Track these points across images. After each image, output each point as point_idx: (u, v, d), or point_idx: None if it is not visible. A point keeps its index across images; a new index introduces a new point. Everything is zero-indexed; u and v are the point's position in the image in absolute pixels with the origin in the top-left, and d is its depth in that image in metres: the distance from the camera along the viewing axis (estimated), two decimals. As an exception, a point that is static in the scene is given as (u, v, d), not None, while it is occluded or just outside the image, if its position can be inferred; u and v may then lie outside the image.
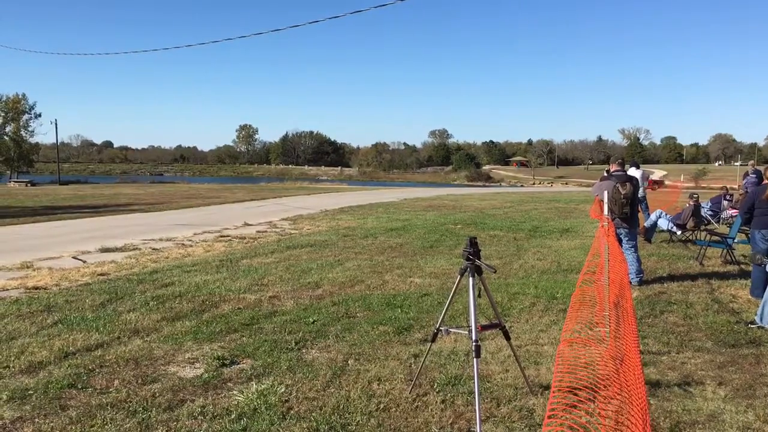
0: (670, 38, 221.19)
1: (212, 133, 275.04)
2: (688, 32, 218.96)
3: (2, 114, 79.13)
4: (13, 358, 5.30)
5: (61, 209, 23.66)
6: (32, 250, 11.86)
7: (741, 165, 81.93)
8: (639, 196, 11.80)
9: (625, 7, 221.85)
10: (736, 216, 12.80)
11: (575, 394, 3.38)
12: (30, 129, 79.83)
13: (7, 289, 8.23)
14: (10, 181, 63.85)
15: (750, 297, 7.64)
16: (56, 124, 74.08)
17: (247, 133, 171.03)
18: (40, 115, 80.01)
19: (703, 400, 4.44)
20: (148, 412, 4.21)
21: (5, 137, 78.35)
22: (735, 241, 10.51)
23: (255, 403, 4.33)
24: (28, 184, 55.77)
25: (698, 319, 6.63)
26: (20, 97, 78.81)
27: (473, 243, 4.08)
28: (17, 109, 78.31)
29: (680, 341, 5.84)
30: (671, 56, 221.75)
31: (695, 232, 12.87)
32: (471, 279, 4.01)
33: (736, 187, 22.60)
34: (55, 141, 79.41)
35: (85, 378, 4.85)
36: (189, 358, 5.39)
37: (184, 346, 5.70)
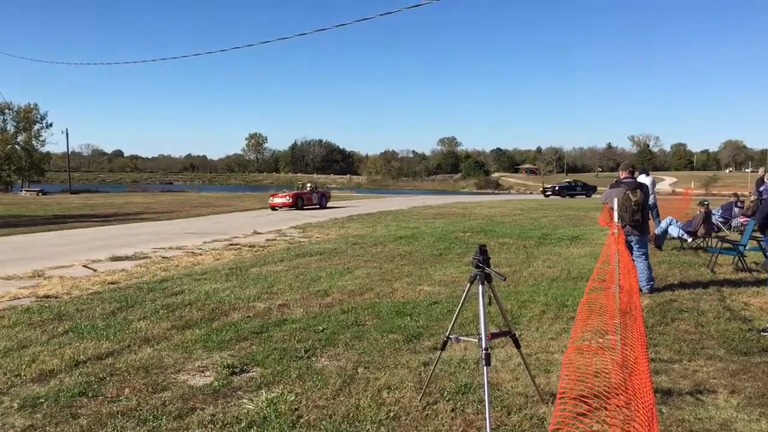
0: (679, 44, 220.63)
1: (222, 141, 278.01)
2: (698, 38, 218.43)
3: (14, 124, 79.93)
4: (24, 367, 5.32)
5: (72, 218, 23.82)
6: (43, 259, 11.94)
7: (752, 172, 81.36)
8: (650, 203, 11.76)
9: (633, 13, 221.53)
10: (747, 223, 12.71)
11: (586, 403, 3.36)
12: (41, 138, 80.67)
13: (19, 298, 8.29)
14: (21, 190, 64.45)
15: (762, 305, 7.57)
16: (67, 133, 74.53)
17: (256, 141, 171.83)
18: (51, 125, 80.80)
19: (716, 408, 4.40)
20: (158, 420, 4.22)
21: (17, 147, 79.05)
22: (746, 248, 10.44)
23: (265, 412, 4.33)
24: (39, 193, 56.28)
25: (710, 327, 6.58)
26: (32, 106, 79.61)
27: (483, 250, 4.07)
28: (29, 118, 79.08)
29: (692, 349, 5.80)
30: (681, 63, 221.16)
31: (706, 239, 12.80)
32: (481, 287, 4.00)
33: (747, 193, 22.48)
34: (66, 150, 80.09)
35: (95, 386, 4.87)
36: (199, 366, 5.40)
37: (194, 355, 5.71)
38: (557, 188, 55.30)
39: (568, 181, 61.28)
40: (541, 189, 61.01)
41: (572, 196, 52.25)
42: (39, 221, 22.24)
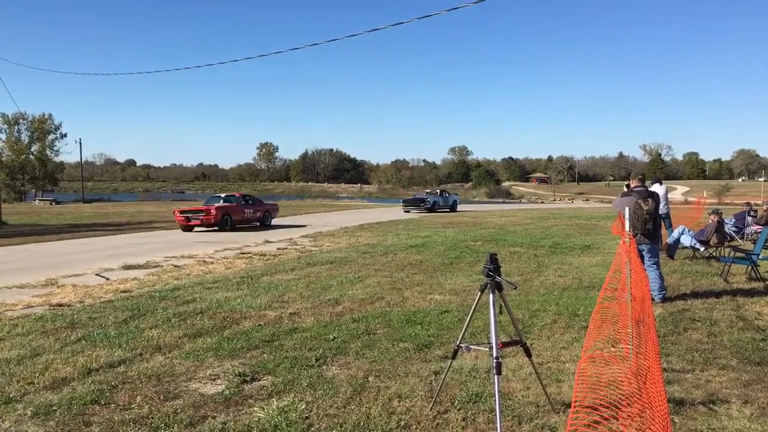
0: (692, 53, 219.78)
1: (233, 151, 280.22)
2: (710, 47, 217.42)
3: (28, 134, 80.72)
4: (37, 375, 5.36)
5: (85, 227, 23.99)
6: (56, 268, 12.02)
7: (765, 180, 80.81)
8: (662, 212, 11.70)
9: (646, 23, 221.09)
10: (760, 232, 12.61)
11: (599, 413, 3.34)
12: (55, 148, 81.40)
13: (32, 306, 8.35)
14: (35, 200, 65.05)
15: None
16: (81, 143, 75.27)
17: (267, 150, 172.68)
18: (65, 135, 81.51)
19: (729, 418, 4.36)
20: (170, 428, 4.23)
21: (31, 156, 79.80)
22: (760, 257, 10.35)
23: (276, 420, 4.33)
24: (53, 203, 56.80)
25: (723, 337, 6.53)
26: (46, 117, 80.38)
27: (494, 259, 4.07)
28: (42, 128, 79.82)
29: (705, 359, 5.76)
30: (693, 71, 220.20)
31: (719, 248, 12.70)
32: (491, 295, 4.00)
33: (760, 202, 22.30)
34: (79, 160, 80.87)
35: (108, 394, 4.90)
36: (210, 374, 5.42)
37: (205, 363, 5.73)
38: None
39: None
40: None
41: None
42: (52, 230, 22.41)
